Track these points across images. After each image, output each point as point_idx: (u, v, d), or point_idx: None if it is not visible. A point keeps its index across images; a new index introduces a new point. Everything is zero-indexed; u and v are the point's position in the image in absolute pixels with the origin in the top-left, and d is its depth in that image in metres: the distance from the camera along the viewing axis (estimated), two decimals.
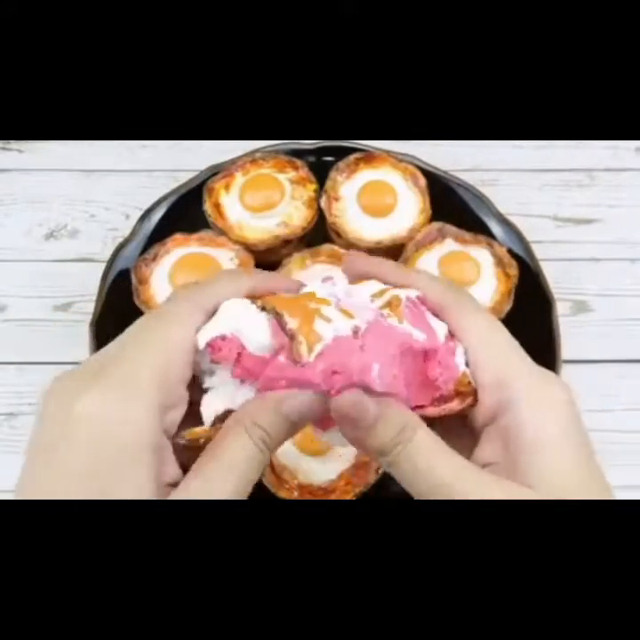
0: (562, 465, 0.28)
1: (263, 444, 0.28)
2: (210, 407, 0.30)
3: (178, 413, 0.29)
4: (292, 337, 0.29)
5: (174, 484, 0.28)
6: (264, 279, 0.33)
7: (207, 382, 0.31)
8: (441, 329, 0.31)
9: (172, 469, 0.28)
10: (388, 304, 0.31)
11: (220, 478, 0.27)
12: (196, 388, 0.31)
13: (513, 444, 0.28)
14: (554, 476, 0.27)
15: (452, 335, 0.31)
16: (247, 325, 0.30)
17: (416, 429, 0.28)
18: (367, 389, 0.28)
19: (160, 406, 0.28)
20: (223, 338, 0.30)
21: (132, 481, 0.26)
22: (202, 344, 0.29)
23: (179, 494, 0.27)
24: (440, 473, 0.27)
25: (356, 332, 0.29)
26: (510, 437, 0.28)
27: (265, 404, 0.29)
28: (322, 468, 0.54)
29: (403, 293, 0.31)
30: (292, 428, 0.29)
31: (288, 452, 0.54)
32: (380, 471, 0.53)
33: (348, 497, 0.53)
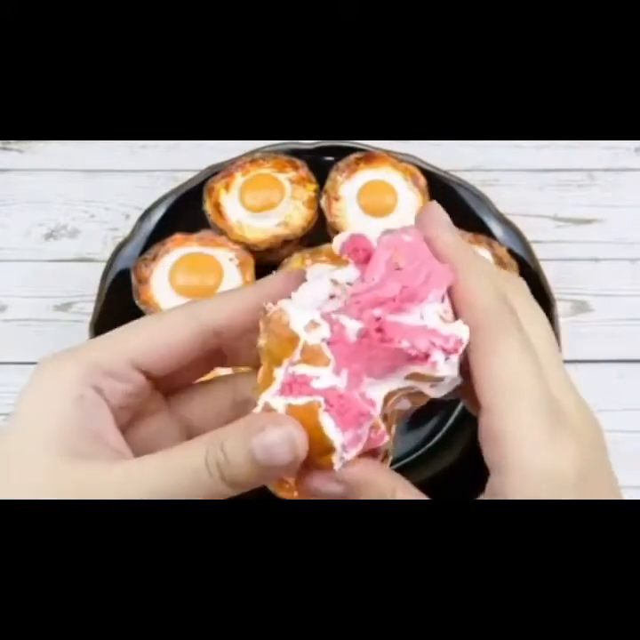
0: None
1: (217, 470, 0.26)
2: (299, 318, 0.27)
3: (120, 385, 0.29)
4: None
5: (115, 449, 0.28)
6: (267, 287, 0.31)
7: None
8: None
9: (108, 431, 0.28)
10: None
11: (155, 475, 0.26)
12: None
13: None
14: None
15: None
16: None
17: (394, 493, 0.28)
18: None
19: (91, 367, 0.28)
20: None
21: (47, 419, 0.27)
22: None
23: (116, 467, 0.27)
24: None
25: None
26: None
27: (239, 430, 0.26)
28: None
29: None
30: (260, 471, 0.26)
31: None
32: None
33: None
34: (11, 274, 0.68)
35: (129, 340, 0.29)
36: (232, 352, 0.32)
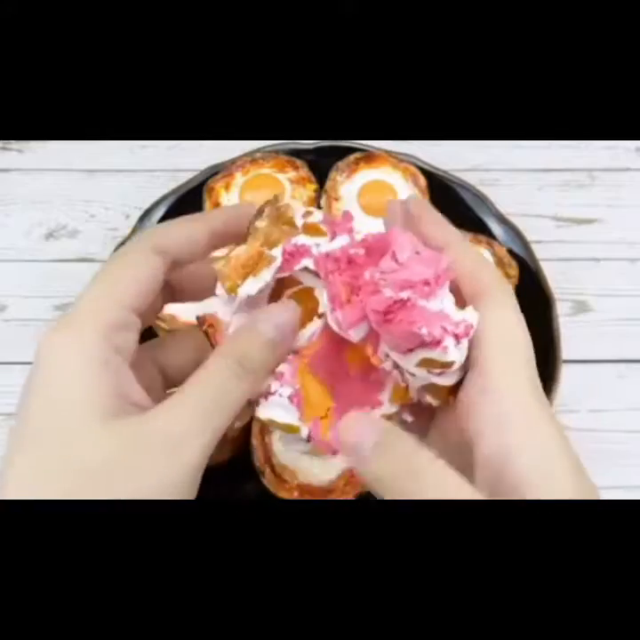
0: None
1: (239, 367, 0.29)
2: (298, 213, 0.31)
3: (131, 336, 0.30)
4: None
5: (139, 405, 0.29)
6: (218, 218, 0.33)
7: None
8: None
9: (133, 389, 0.29)
10: None
11: (195, 395, 0.28)
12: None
13: (500, 464, 0.26)
14: None
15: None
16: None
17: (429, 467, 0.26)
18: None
19: (105, 327, 0.28)
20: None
21: (75, 389, 0.27)
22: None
23: (161, 406, 0.28)
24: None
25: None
26: (505, 484, 0.26)
27: (243, 327, 0.30)
28: (322, 467, 0.54)
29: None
30: (272, 347, 0.30)
31: (288, 452, 0.54)
32: None
33: (348, 497, 0.53)
34: (11, 274, 0.68)
35: (121, 288, 0.30)
36: (179, 285, 0.34)
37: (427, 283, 0.27)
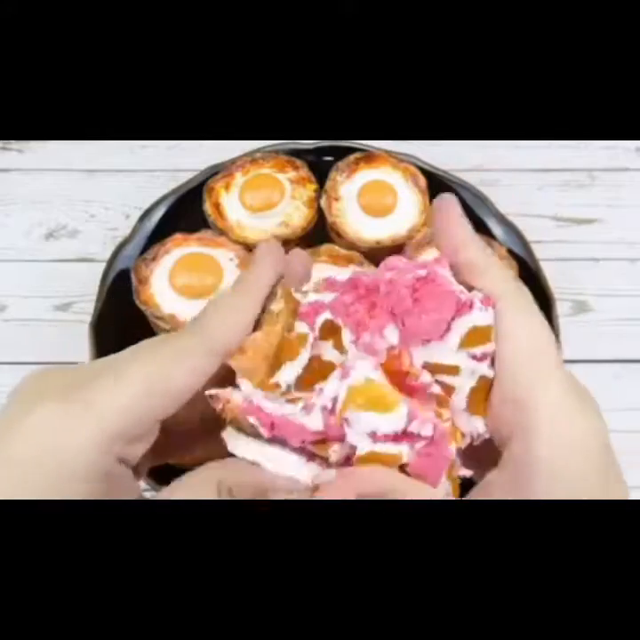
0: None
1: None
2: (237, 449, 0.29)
3: (142, 446, 0.27)
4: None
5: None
6: (265, 286, 0.30)
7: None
8: None
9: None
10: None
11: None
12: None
13: (523, 479, 0.25)
14: None
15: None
16: None
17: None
18: None
19: (116, 436, 0.25)
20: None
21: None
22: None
23: None
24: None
25: None
26: (521, 470, 0.26)
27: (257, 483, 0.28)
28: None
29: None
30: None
31: None
32: None
33: None
34: (11, 274, 0.68)
35: (151, 396, 0.26)
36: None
37: (437, 261, 0.29)
